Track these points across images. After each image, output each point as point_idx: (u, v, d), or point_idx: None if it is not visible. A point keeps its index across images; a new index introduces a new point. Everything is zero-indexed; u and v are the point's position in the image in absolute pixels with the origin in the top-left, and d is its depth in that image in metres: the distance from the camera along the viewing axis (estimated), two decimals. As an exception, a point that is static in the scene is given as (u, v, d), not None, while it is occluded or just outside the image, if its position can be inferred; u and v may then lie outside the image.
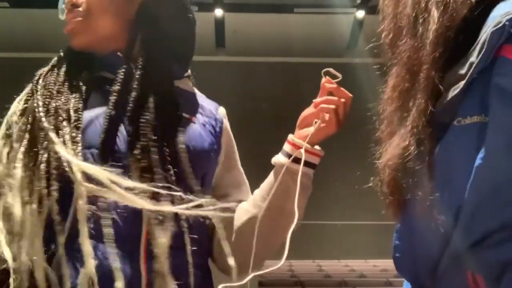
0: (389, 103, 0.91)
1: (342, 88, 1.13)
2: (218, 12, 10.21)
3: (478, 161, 0.77)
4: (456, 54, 0.82)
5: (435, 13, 0.84)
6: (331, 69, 1.11)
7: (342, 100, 1.12)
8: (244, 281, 0.91)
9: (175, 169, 1.09)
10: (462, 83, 0.79)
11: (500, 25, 0.76)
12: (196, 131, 1.19)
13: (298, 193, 1.05)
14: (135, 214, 1.02)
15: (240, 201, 1.24)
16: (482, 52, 0.77)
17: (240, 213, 1.20)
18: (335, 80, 1.12)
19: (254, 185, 1.26)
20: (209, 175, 1.22)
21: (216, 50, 11.42)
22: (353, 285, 6.77)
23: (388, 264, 7.68)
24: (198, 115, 1.23)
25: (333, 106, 1.11)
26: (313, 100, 1.15)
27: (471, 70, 0.78)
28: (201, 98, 1.28)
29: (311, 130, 1.14)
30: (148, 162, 1.05)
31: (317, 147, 1.14)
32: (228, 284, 0.92)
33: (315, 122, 1.13)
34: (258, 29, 10.67)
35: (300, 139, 1.14)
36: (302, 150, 1.11)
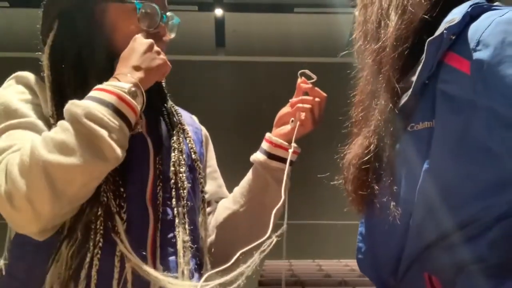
0: (357, 105, 0.95)
1: (317, 88, 1.18)
2: (218, 11, 10.21)
3: (425, 166, 0.79)
4: (414, 59, 0.85)
5: (393, 17, 0.88)
6: (307, 71, 1.16)
7: (317, 99, 1.17)
8: (232, 261, 0.93)
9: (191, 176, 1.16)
10: (409, 91, 0.82)
11: (438, 33, 0.78)
12: (193, 138, 1.23)
13: (278, 189, 1.09)
14: (143, 216, 1.05)
15: (220, 198, 1.28)
16: (422, 62, 0.80)
17: (221, 210, 1.24)
18: (311, 81, 1.17)
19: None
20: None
21: (216, 50, 11.42)
22: (353, 284, 6.77)
23: (388, 263, 7.64)
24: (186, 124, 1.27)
25: (308, 106, 1.16)
26: (290, 100, 1.20)
27: (415, 78, 0.81)
28: (175, 106, 1.30)
29: (287, 128, 1.19)
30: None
31: (294, 144, 1.18)
32: (217, 270, 0.94)
33: (291, 121, 1.18)
34: (258, 28, 10.66)
35: (277, 137, 1.19)
36: (290, 151, 1.15)
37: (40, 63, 1.11)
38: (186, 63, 9.90)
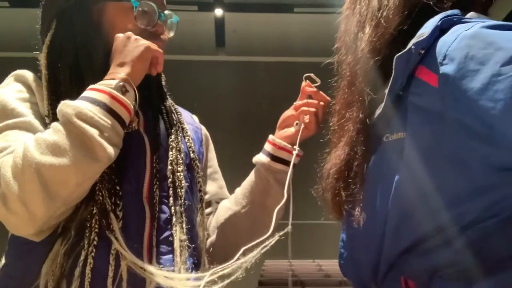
0: (334, 115, 0.98)
1: (321, 92, 1.19)
2: (218, 11, 10.20)
3: (397, 176, 0.82)
4: (388, 71, 0.86)
5: (367, 29, 0.91)
6: (311, 74, 1.18)
7: (321, 103, 1.18)
8: (235, 258, 0.93)
9: (189, 175, 1.16)
10: (382, 104, 0.85)
11: (406, 49, 0.81)
12: (192, 137, 1.23)
13: (280, 191, 1.09)
14: (140, 214, 1.06)
15: (221, 199, 1.29)
16: (392, 76, 0.83)
17: (222, 211, 1.22)
18: (315, 85, 1.18)
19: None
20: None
21: (216, 50, 11.40)
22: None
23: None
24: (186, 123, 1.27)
25: (313, 109, 1.17)
26: (294, 103, 1.21)
27: (386, 93, 0.84)
28: (175, 105, 1.30)
29: (291, 130, 1.19)
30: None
31: (296, 147, 1.19)
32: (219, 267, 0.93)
33: (296, 124, 1.18)
34: (258, 28, 10.65)
35: (281, 139, 1.20)
36: (294, 153, 1.16)
37: (38, 62, 1.11)
38: (185, 63, 9.89)
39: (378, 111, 0.87)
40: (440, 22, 0.81)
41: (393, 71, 0.83)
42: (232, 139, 9.44)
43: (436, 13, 0.85)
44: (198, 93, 9.95)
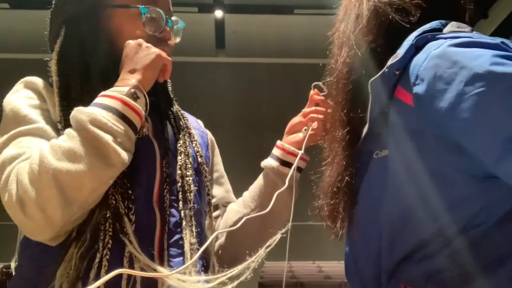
0: (327, 133, 1.03)
1: (328, 100, 1.20)
2: (218, 13, 10.21)
3: (385, 192, 0.86)
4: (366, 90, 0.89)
5: (343, 50, 0.95)
6: (320, 83, 1.20)
7: (329, 111, 1.19)
8: (237, 226, 0.97)
9: (197, 179, 1.18)
10: (367, 125, 0.88)
11: (380, 73, 0.84)
12: (199, 142, 1.25)
13: (287, 193, 1.12)
14: (150, 218, 1.07)
15: (228, 203, 1.30)
16: (370, 100, 0.86)
17: (230, 214, 1.25)
18: (322, 94, 1.21)
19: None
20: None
21: (216, 51, 11.42)
22: (353, 286, 6.77)
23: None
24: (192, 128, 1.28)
25: (321, 116, 1.20)
26: (302, 110, 1.25)
27: (368, 114, 0.88)
28: (181, 110, 1.31)
29: (299, 136, 1.23)
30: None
31: (301, 151, 1.22)
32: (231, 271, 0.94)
33: (304, 130, 1.23)
34: (258, 30, 10.67)
35: (289, 145, 1.23)
36: (298, 157, 1.19)
37: (48, 68, 1.12)
38: (186, 65, 9.91)
39: (364, 131, 0.90)
40: (415, 41, 0.83)
41: (369, 95, 0.86)
42: (232, 140, 9.44)
43: (407, 28, 0.88)
44: (198, 94, 9.97)
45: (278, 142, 1.25)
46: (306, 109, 1.24)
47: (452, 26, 0.87)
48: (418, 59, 0.81)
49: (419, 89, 0.79)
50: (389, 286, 0.88)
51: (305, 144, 1.20)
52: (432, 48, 0.80)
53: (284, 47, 10.89)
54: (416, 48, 0.83)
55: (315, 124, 1.21)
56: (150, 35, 1.11)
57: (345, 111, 0.93)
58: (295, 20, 10.32)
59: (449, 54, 0.77)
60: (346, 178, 0.92)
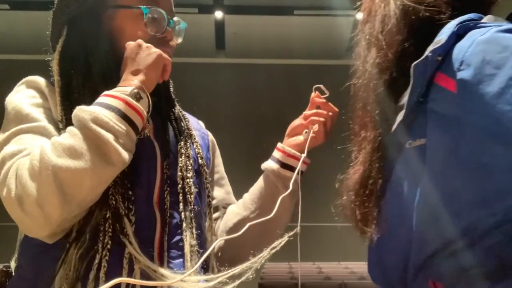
0: (353, 136, 1.01)
1: (329, 103, 1.22)
2: (218, 14, 10.22)
3: (421, 182, 0.84)
4: (400, 86, 0.90)
5: (372, 51, 0.94)
6: (321, 86, 1.20)
7: (330, 113, 1.21)
8: (241, 232, 0.95)
9: (198, 181, 1.17)
10: (403, 111, 0.87)
11: (423, 57, 0.83)
12: (199, 143, 1.25)
13: (288, 197, 1.11)
14: (150, 219, 1.07)
15: (228, 205, 1.30)
16: (410, 85, 0.85)
17: (230, 216, 1.25)
18: (324, 96, 1.21)
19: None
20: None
21: (216, 52, 11.43)
22: (353, 287, 6.77)
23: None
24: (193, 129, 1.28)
25: (322, 119, 1.20)
26: (304, 112, 1.24)
27: (406, 100, 0.86)
28: (183, 111, 1.31)
29: (300, 139, 1.23)
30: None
31: (304, 154, 1.21)
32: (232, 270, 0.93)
33: (305, 132, 1.22)
34: (258, 31, 10.67)
35: (290, 147, 1.23)
36: (301, 159, 1.18)
37: (50, 68, 1.12)
38: (186, 66, 9.91)
39: (399, 118, 0.88)
40: (456, 28, 0.82)
41: (411, 79, 0.84)
42: (232, 141, 9.44)
43: (437, 26, 0.87)
44: (198, 95, 9.96)
45: (279, 145, 1.25)
46: (307, 112, 1.23)
47: (489, 18, 0.86)
48: (462, 45, 0.80)
49: (465, 74, 0.77)
50: (416, 282, 0.87)
51: (307, 147, 1.19)
52: (478, 35, 0.79)
53: (284, 48, 10.89)
54: (457, 36, 0.82)
55: (316, 127, 1.20)
56: (151, 35, 1.11)
57: (376, 112, 0.92)
58: (295, 21, 10.32)
59: (499, 39, 0.76)
60: (369, 178, 0.92)
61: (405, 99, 0.87)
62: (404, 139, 0.88)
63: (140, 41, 1.07)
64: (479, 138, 0.78)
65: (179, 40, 1.19)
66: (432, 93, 0.84)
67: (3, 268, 1.13)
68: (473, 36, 0.80)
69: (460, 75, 0.78)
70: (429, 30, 0.87)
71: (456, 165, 0.80)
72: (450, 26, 0.84)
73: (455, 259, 0.80)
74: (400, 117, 0.88)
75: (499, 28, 0.78)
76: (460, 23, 0.83)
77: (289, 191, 1.08)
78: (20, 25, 9.51)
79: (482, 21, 0.85)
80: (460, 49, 0.80)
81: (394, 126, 0.89)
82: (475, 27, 0.82)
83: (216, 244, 0.98)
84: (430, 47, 0.83)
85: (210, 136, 1.34)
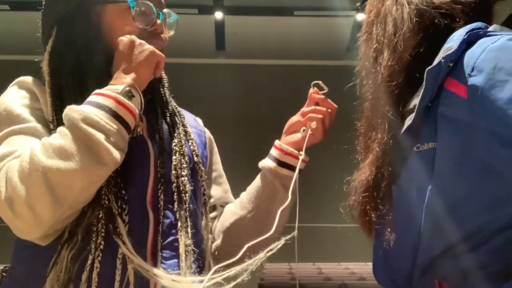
0: (360, 135, 1.01)
1: (328, 99, 1.18)
2: (218, 14, 10.22)
3: (430, 185, 0.85)
4: (411, 89, 0.90)
5: (385, 54, 0.94)
6: (320, 82, 1.17)
7: (329, 110, 1.18)
8: (239, 255, 0.92)
9: (193, 179, 1.16)
10: (413, 114, 0.87)
11: (436, 62, 0.84)
12: (195, 140, 1.23)
13: (286, 196, 1.08)
14: (143, 219, 1.06)
15: (226, 204, 1.28)
16: (423, 89, 0.86)
17: (228, 215, 1.23)
18: (322, 92, 1.18)
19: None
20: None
21: (216, 53, 11.42)
22: (353, 287, 6.76)
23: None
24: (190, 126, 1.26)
25: (320, 116, 1.16)
26: (301, 109, 1.20)
27: (417, 104, 0.87)
28: (179, 107, 1.29)
29: (298, 136, 1.19)
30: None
31: (302, 153, 1.18)
32: (222, 264, 0.92)
33: (302, 130, 1.18)
34: (258, 31, 10.67)
35: (287, 145, 1.19)
36: (301, 158, 1.15)
37: (41, 67, 1.11)
38: (186, 66, 9.91)
39: (408, 122, 0.89)
40: (466, 36, 0.84)
41: (424, 84, 0.86)
42: (231, 141, 9.44)
43: (451, 32, 0.88)
44: (198, 95, 9.96)
45: (276, 142, 1.21)
46: (305, 108, 1.20)
47: (495, 28, 0.88)
48: (473, 52, 0.81)
49: (476, 80, 0.79)
50: (421, 282, 0.88)
51: (305, 145, 1.16)
52: (489, 42, 0.81)
53: (284, 48, 10.89)
54: (467, 43, 0.84)
55: (314, 124, 1.16)
56: (141, 29, 1.10)
57: (386, 114, 0.92)
58: (295, 22, 10.32)
59: (511, 47, 0.78)
60: (381, 181, 0.92)
61: (413, 102, 0.88)
62: (412, 143, 0.88)
63: (133, 37, 1.05)
64: (490, 143, 0.79)
65: (171, 33, 1.17)
66: (442, 98, 0.85)
67: (2, 270, 1.12)
68: (484, 43, 0.81)
69: (472, 80, 0.79)
70: (443, 36, 0.88)
71: (466, 170, 0.81)
72: (459, 34, 0.85)
73: (461, 260, 0.81)
74: (409, 120, 0.88)
75: (510, 36, 0.80)
76: (470, 31, 0.85)
77: (289, 200, 1.05)
78: (20, 25, 9.50)
79: (489, 29, 0.87)
80: (472, 56, 0.81)
81: (403, 129, 0.89)
82: (485, 35, 0.84)
83: (211, 273, 0.96)
84: (442, 53, 0.84)
85: (208, 134, 1.32)
